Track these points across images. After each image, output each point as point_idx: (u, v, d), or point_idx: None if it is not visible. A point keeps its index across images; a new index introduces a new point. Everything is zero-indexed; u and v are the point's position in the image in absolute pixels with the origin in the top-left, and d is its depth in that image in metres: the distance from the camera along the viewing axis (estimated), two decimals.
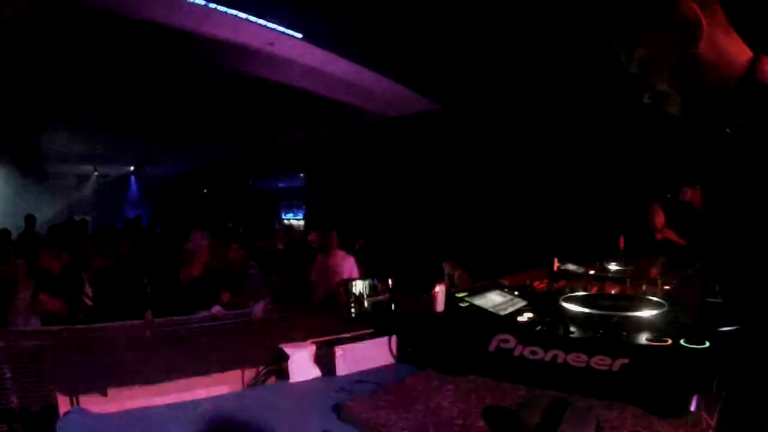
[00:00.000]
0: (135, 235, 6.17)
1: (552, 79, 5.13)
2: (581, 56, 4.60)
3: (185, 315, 3.67)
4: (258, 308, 3.92)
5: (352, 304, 1.67)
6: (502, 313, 1.30)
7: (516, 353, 1.12)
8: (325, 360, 1.40)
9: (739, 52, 0.88)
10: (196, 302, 3.76)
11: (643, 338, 1.03)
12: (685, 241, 3.08)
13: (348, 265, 4.69)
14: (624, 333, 1.07)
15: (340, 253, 4.80)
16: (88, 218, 9.84)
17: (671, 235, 3.11)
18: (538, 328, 1.14)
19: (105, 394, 1.23)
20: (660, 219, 3.17)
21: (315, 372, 1.39)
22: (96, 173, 13.22)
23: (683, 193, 3.17)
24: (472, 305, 1.34)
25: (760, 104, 0.81)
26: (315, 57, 5.96)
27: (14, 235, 7.18)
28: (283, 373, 1.37)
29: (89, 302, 3.54)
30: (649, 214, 3.19)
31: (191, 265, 3.98)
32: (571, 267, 2.00)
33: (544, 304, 1.38)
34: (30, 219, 7.56)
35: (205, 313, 3.61)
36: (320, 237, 4.98)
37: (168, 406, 1.16)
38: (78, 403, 1.20)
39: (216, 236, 5.33)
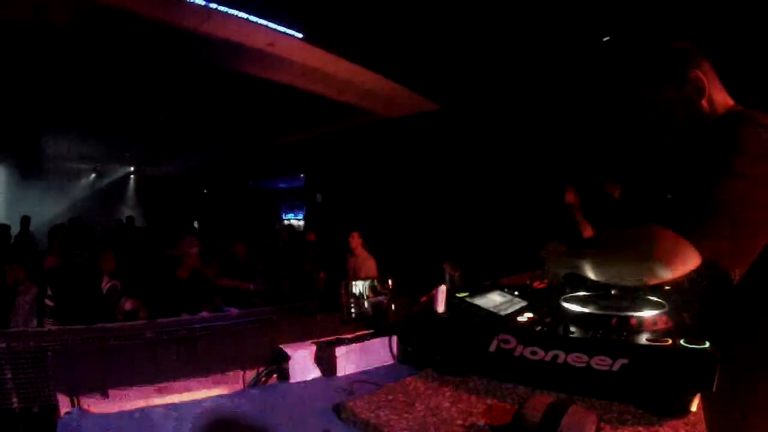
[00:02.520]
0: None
1: (549, 79, 5.13)
2: (579, 56, 4.61)
3: (173, 316, 3.67)
4: (233, 312, 3.92)
5: (352, 305, 1.67)
6: (503, 313, 1.30)
7: (516, 353, 1.12)
8: (325, 360, 1.40)
9: (726, 101, 1.24)
10: (183, 304, 3.76)
11: (643, 338, 1.02)
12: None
13: (367, 266, 4.92)
14: (624, 333, 1.07)
15: (363, 254, 4.96)
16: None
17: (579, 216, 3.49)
18: (538, 328, 1.14)
19: (105, 394, 1.23)
20: (570, 197, 3.50)
21: (315, 372, 1.40)
22: (95, 173, 13.22)
23: (607, 186, 3.70)
24: (472, 305, 1.34)
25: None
26: (315, 57, 5.96)
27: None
28: (283, 373, 1.37)
29: (51, 302, 3.54)
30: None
31: (179, 268, 4.00)
32: None
33: (545, 304, 1.38)
34: (25, 220, 7.56)
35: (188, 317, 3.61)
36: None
37: (168, 406, 1.17)
38: (78, 404, 1.20)
39: (220, 235, 5.37)
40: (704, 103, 1.21)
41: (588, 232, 3.61)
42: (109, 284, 3.69)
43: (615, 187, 3.71)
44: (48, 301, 3.51)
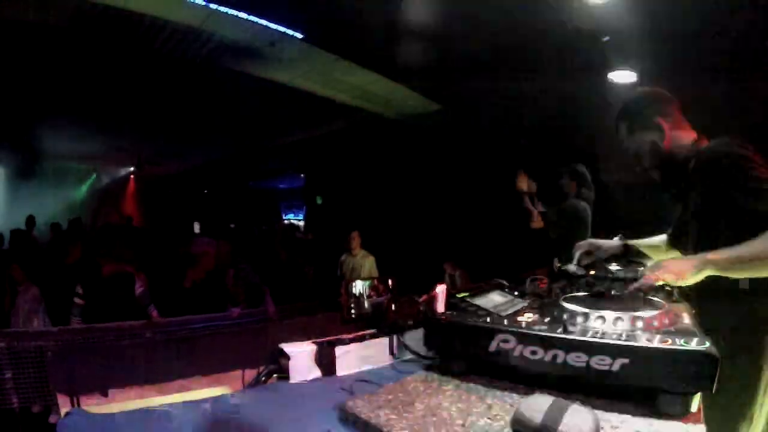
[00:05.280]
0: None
1: (549, 78, 5.12)
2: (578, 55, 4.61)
3: (188, 316, 3.66)
4: (270, 307, 3.94)
5: (353, 305, 1.67)
6: (503, 313, 1.30)
7: (516, 353, 1.12)
8: (325, 360, 1.40)
9: (689, 136, 1.49)
10: (199, 305, 3.76)
11: (643, 338, 1.02)
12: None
13: (368, 264, 5.02)
14: (624, 333, 1.07)
15: (362, 253, 5.06)
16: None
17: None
18: (539, 328, 1.14)
19: (105, 394, 1.24)
20: (521, 184, 3.72)
21: (315, 372, 1.40)
22: (96, 173, 13.22)
23: (564, 182, 3.94)
24: (472, 305, 1.34)
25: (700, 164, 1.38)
26: (315, 57, 5.96)
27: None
28: (283, 373, 1.37)
29: (81, 300, 3.50)
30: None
31: (195, 268, 3.99)
32: (571, 267, 2.00)
33: (545, 304, 1.38)
34: (30, 220, 7.55)
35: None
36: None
37: (168, 406, 1.17)
38: (78, 403, 1.20)
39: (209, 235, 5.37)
40: (666, 144, 1.48)
41: (537, 220, 3.70)
42: (141, 288, 3.63)
43: (571, 184, 3.89)
44: (77, 300, 3.45)
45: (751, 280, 1.27)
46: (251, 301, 4.15)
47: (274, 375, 1.39)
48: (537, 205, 3.75)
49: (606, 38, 4.31)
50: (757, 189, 1.24)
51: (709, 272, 1.24)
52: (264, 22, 5.20)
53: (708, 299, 1.33)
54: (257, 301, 4.15)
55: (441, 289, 1.35)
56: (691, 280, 1.26)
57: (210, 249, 4.08)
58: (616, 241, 1.93)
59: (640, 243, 1.91)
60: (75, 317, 3.43)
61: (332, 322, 1.65)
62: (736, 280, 1.26)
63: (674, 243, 1.64)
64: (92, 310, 3.43)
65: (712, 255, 1.23)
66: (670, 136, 1.48)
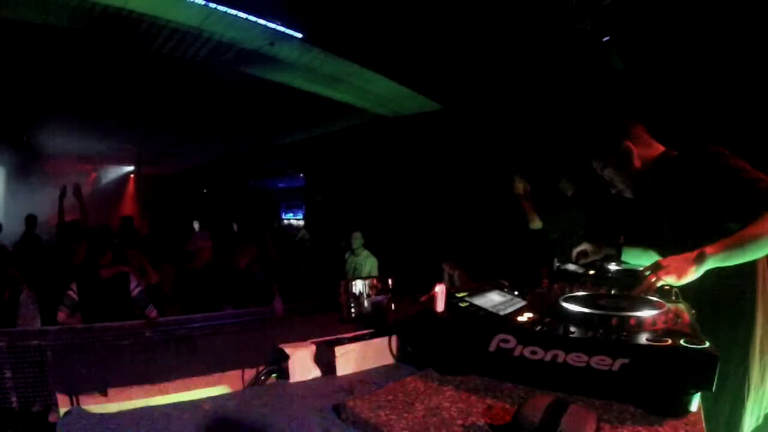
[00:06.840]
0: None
1: (549, 78, 5.12)
2: (577, 55, 4.61)
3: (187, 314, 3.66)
4: (278, 305, 3.96)
5: (352, 304, 1.67)
6: (502, 313, 1.30)
7: (516, 353, 1.12)
8: (325, 360, 1.40)
9: (656, 151, 1.59)
10: (201, 302, 3.77)
11: (643, 338, 1.02)
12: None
13: (368, 264, 5.12)
14: (624, 333, 1.07)
15: (365, 253, 5.12)
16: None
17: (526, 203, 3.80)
18: (538, 328, 1.14)
19: (105, 394, 1.23)
20: (518, 187, 3.75)
21: (315, 372, 1.39)
22: (95, 173, 13.22)
23: (562, 184, 4.04)
24: (472, 305, 1.34)
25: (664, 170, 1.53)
26: (315, 57, 5.97)
27: (14, 236, 7.14)
28: (283, 373, 1.37)
29: (75, 296, 3.48)
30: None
31: (191, 265, 3.99)
32: (571, 267, 2.00)
33: (544, 304, 1.38)
34: (31, 220, 7.45)
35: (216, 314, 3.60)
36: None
37: (168, 406, 1.16)
38: (78, 403, 1.20)
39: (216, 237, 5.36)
40: (635, 162, 1.57)
41: (535, 222, 3.73)
42: (137, 288, 3.62)
43: (569, 186, 3.96)
44: (72, 294, 3.43)
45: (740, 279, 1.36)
46: (259, 302, 4.15)
47: (274, 375, 1.39)
48: (529, 208, 3.76)
49: (606, 38, 4.32)
50: (740, 177, 1.32)
51: (709, 265, 1.25)
52: (264, 22, 5.21)
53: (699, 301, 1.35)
54: (266, 301, 4.15)
55: (441, 289, 1.35)
56: (692, 276, 1.26)
57: (205, 244, 4.08)
58: (609, 247, 1.96)
59: (630, 249, 1.94)
60: (65, 307, 3.41)
61: (332, 322, 1.64)
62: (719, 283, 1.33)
63: (660, 250, 1.68)
64: (88, 311, 3.42)
65: (709, 248, 1.27)
66: (638, 156, 1.57)
